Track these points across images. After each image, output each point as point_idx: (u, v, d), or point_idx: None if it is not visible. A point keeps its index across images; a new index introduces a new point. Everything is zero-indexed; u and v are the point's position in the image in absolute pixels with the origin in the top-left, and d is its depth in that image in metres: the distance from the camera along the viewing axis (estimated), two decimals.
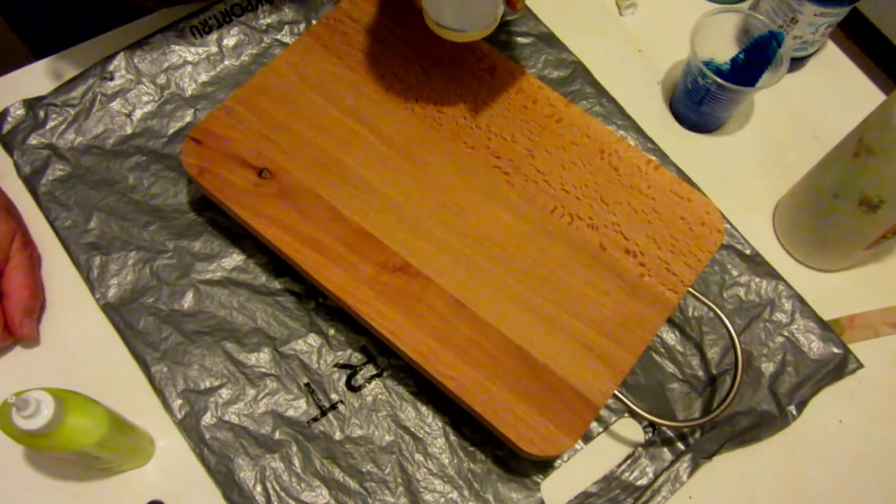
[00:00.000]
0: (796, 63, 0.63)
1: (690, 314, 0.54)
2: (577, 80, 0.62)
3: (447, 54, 0.54)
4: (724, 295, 0.55)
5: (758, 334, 0.54)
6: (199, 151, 0.50)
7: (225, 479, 0.48)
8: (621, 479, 0.49)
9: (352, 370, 0.51)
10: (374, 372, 0.51)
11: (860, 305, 0.56)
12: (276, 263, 0.53)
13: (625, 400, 0.47)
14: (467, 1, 0.45)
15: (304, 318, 0.52)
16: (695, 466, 0.49)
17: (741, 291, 0.55)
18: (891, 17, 1.41)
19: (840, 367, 0.53)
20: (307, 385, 0.50)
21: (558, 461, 0.50)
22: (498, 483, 0.49)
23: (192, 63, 0.59)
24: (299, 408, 0.50)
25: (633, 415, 0.51)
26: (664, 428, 0.51)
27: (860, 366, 0.53)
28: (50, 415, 0.37)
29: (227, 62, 0.59)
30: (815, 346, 0.54)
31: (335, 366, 0.51)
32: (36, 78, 0.58)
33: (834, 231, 0.53)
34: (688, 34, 0.56)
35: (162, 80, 0.58)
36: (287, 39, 0.61)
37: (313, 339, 0.52)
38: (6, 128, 0.56)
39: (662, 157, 0.59)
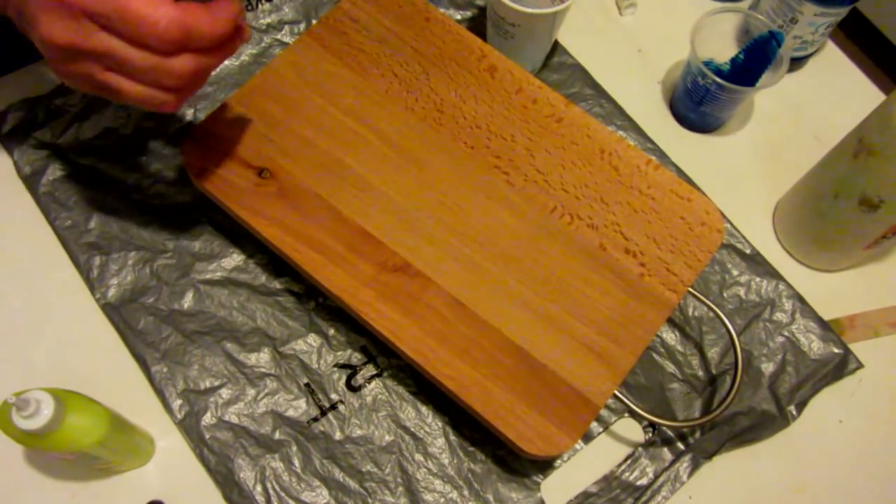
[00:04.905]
0: (796, 63, 0.63)
1: (690, 314, 0.54)
2: (577, 80, 0.62)
3: (447, 54, 0.54)
4: (724, 295, 0.55)
5: (758, 334, 0.54)
6: (199, 151, 0.50)
7: (225, 479, 0.48)
8: (621, 479, 0.49)
9: (352, 370, 0.51)
10: (374, 372, 0.51)
11: (860, 305, 0.56)
12: (276, 263, 0.53)
13: (625, 400, 0.47)
14: None
15: (304, 318, 0.52)
16: (695, 466, 0.49)
17: (741, 291, 0.55)
18: (891, 17, 1.41)
19: (840, 367, 0.53)
20: (307, 385, 0.50)
21: (558, 461, 0.50)
22: (498, 483, 0.49)
23: None
24: (299, 408, 0.50)
25: (633, 415, 0.51)
26: (664, 428, 0.51)
27: (860, 366, 0.53)
28: (50, 415, 0.37)
29: (226, 62, 0.59)
30: (815, 346, 0.54)
31: (335, 366, 0.51)
32: (36, 78, 0.58)
33: (834, 231, 0.53)
34: (688, 34, 0.56)
35: None
36: (287, 39, 0.61)
37: (313, 339, 0.52)
38: (6, 128, 0.56)
39: (662, 157, 0.59)
